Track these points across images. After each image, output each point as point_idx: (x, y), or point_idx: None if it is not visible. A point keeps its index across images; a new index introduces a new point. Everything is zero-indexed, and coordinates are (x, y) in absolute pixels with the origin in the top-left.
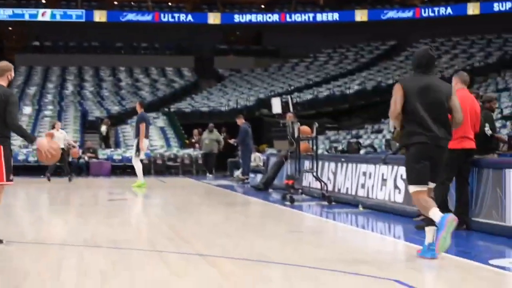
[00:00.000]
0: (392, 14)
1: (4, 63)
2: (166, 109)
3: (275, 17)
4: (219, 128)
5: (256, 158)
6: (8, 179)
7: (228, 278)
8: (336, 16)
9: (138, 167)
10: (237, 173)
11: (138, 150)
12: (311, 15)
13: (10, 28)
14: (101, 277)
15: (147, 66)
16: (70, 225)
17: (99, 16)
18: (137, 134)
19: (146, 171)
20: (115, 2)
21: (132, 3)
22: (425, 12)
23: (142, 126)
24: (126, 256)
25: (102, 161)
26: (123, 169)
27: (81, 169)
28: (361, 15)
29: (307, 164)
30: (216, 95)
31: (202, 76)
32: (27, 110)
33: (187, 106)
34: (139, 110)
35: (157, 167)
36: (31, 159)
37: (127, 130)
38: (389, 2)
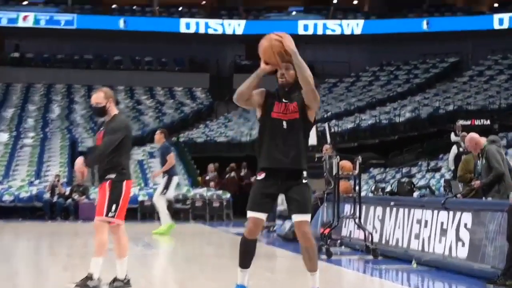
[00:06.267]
0: (453, 23)
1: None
2: (174, 139)
3: (310, 27)
4: (239, 163)
5: (284, 201)
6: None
7: None
8: (384, 26)
9: (163, 207)
10: None
11: (166, 187)
12: (353, 24)
13: None
14: None
15: (152, 85)
16: (55, 278)
17: (94, 22)
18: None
19: (148, 215)
20: (114, 6)
21: (135, 7)
22: (495, 21)
23: (171, 157)
24: None
25: (94, 202)
26: None
27: (69, 212)
28: (415, 25)
29: (347, 208)
30: (236, 122)
31: (219, 98)
32: (3, 137)
33: (200, 135)
34: (161, 140)
35: None
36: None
37: None
38: (450, 9)
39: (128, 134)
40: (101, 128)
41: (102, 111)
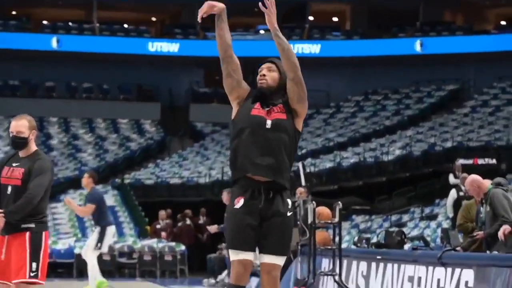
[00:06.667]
0: (452, 44)
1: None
2: (118, 180)
3: None
4: (196, 209)
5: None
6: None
7: None
8: (369, 47)
9: (93, 264)
10: (223, 275)
11: (101, 240)
12: (331, 45)
13: None
14: None
15: (91, 116)
16: None
17: (20, 41)
18: (99, 219)
19: (85, 271)
20: (45, 22)
21: (70, 23)
22: (501, 42)
23: (90, 208)
24: None
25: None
26: (52, 268)
27: None
28: (406, 46)
29: (325, 263)
30: (192, 161)
31: (172, 133)
32: None
33: (149, 176)
34: (90, 185)
35: (103, 266)
36: None
37: (59, 211)
38: (448, 27)
39: (52, 177)
40: (14, 164)
41: (24, 143)
